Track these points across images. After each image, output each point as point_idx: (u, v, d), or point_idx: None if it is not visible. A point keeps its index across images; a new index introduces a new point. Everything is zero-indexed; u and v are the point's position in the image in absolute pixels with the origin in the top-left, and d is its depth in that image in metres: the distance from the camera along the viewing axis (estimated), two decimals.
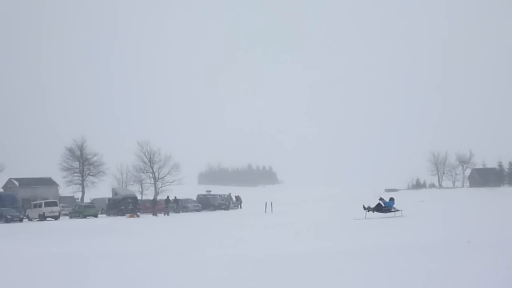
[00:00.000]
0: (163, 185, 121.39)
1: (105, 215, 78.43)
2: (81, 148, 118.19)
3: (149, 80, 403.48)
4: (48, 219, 70.51)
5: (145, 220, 57.62)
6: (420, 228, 27.39)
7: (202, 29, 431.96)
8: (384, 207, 37.05)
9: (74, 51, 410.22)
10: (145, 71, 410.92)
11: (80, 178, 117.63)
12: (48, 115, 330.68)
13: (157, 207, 71.31)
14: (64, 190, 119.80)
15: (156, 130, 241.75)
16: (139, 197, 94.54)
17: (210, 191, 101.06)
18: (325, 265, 15.78)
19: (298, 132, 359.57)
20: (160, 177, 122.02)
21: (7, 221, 68.82)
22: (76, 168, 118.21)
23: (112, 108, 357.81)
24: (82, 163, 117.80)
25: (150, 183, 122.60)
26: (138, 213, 70.97)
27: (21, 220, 71.07)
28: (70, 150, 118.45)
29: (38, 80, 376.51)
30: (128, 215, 67.91)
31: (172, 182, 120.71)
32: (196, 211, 76.19)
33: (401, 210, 36.75)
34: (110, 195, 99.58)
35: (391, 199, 38.12)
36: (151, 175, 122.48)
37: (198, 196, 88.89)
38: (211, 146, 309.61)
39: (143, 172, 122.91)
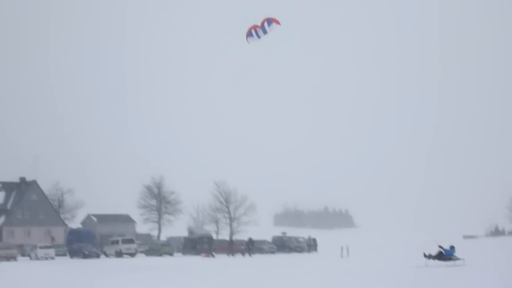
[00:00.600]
0: (238, 225, 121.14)
1: (180, 253, 78.70)
2: (159, 186, 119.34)
3: (226, 120, 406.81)
4: (124, 256, 71.16)
5: (221, 260, 57.49)
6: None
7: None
8: (445, 255, 36.32)
9: (152, 89, 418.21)
10: (222, 110, 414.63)
11: (157, 216, 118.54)
12: (127, 153, 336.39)
13: (233, 247, 71.39)
14: (141, 228, 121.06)
15: (232, 170, 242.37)
16: (214, 237, 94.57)
17: (285, 233, 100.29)
18: None
19: (374, 177, 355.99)
20: (236, 217, 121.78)
21: (85, 256, 69.83)
22: (153, 206, 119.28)
23: (190, 147, 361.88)
24: (159, 201, 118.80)
25: (226, 223, 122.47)
26: (213, 253, 70.93)
27: (98, 256, 72.02)
28: (148, 188, 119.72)
29: (117, 118, 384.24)
30: (203, 254, 67.98)
31: (248, 222, 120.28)
32: (271, 253, 75.64)
33: (463, 259, 35.85)
34: (186, 233, 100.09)
35: (452, 247, 37.39)
36: (226, 215, 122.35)
37: (274, 237, 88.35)
38: (287, 187, 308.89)
39: (219, 212, 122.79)
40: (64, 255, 77.70)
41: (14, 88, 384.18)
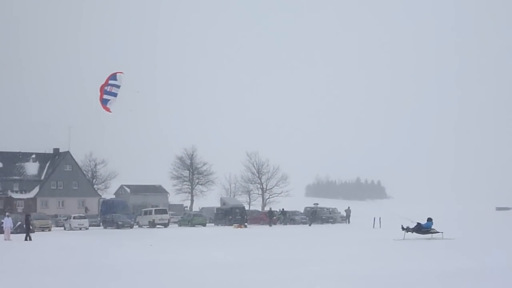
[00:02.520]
0: (270, 196, 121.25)
1: (213, 224, 78.94)
2: (191, 157, 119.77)
3: (258, 91, 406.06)
4: (157, 226, 71.52)
5: (254, 230, 57.53)
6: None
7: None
8: (423, 228, 35.86)
9: (184, 60, 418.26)
10: (257, 83, 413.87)
11: (190, 187, 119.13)
12: (160, 124, 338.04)
13: (270, 217, 72.29)
14: (174, 198, 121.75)
15: (265, 141, 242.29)
16: (246, 208, 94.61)
17: (317, 203, 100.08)
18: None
19: (407, 148, 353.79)
20: (268, 188, 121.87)
21: (118, 227, 70.39)
22: (185, 177, 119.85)
23: (222, 118, 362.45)
24: (191, 172, 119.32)
25: (258, 194, 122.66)
26: (246, 224, 71.00)
27: (131, 226, 72.50)
28: (181, 159, 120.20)
29: (150, 89, 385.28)
30: (235, 225, 68.08)
31: (280, 193, 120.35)
32: (303, 224, 75.52)
33: (442, 232, 35.37)
34: (218, 204, 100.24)
35: (429, 220, 36.86)
36: (258, 186, 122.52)
37: (306, 208, 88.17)
38: (319, 158, 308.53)
39: (251, 183, 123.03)
40: (98, 225, 78.37)
41: (48, 60, 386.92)
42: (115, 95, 31.25)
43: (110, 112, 31.75)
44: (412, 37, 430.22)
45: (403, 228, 35.61)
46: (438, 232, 35.23)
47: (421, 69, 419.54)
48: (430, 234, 35.33)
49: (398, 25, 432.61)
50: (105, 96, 31.10)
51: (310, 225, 72.64)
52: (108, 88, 31.03)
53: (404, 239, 34.49)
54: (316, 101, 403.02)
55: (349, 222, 78.60)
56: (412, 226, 35.86)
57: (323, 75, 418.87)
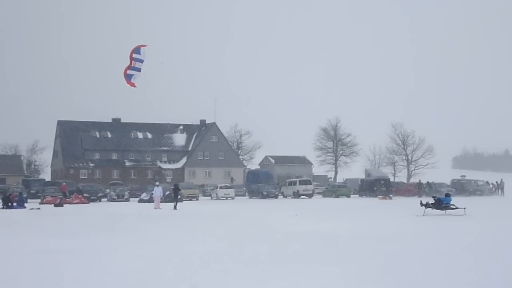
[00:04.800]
0: (416, 168, 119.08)
1: (357, 195, 78.36)
2: (335, 129, 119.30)
3: (404, 60, 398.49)
4: (302, 197, 71.71)
5: (399, 202, 56.51)
6: None
7: None
8: (443, 204, 33.37)
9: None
10: (402, 52, 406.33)
11: (333, 158, 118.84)
12: (304, 95, 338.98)
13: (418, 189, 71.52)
14: (318, 169, 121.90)
15: (410, 112, 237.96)
16: (391, 179, 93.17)
17: (464, 176, 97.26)
18: None
19: None
20: (413, 159, 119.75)
21: (263, 197, 71.17)
22: (329, 148, 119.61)
23: (366, 88, 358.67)
24: (335, 143, 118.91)
25: (403, 166, 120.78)
26: (391, 195, 69.96)
27: (276, 196, 73.10)
28: (325, 130, 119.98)
29: (292, 61, 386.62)
30: (380, 196, 67.21)
31: (426, 165, 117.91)
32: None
33: (463, 208, 32.85)
34: (362, 175, 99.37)
35: (447, 195, 34.80)
36: (404, 157, 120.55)
37: (452, 180, 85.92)
38: (466, 130, 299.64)
39: (396, 154, 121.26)
40: (243, 195, 79.60)
41: (194, 33, 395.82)
42: (138, 70, 31.07)
43: (135, 87, 31.70)
44: None
45: (421, 204, 33.77)
46: (459, 208, 33.10)
47: None
48: (447, 210, 33.16)
49: None
50: (129, 72, 30.95)
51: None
52: (132, 63, 30.85)
53: (424, 215, 32.53)
54: (463, 72, 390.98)
55: (503, 194, 76.12)
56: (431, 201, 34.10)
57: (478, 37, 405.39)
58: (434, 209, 33.47)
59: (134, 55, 30.97)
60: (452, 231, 23.48)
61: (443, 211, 33.20)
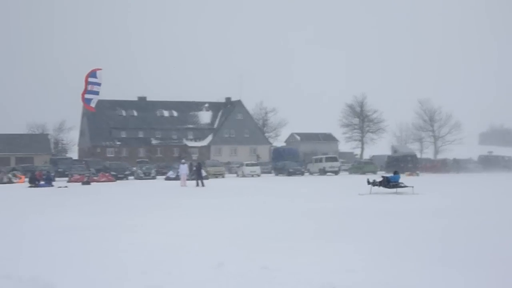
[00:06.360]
0: (443, 144, 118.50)
1: (384, 172, 78.10)
2: (361, 105, 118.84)
3: (431, 35, 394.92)
4: (328, 173, 71.65)
5: (425, 178, 56.21)
6: None
7: None
8: (391, 182, 32.26)
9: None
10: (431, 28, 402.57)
11: (360, 135, 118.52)
12: (329, 71, 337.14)
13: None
14: (344, 146, 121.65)
15: (436, 88, 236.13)
16: (418, 156, 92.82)
17: (491, 152, 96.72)
18: None
19: None
20: (440, 136, 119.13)
21: (289, 174, 71.24)
22: (356, 125, 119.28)
23: (393, 64, 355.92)
24: (362, 119, 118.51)
25: (430, 142, 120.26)
26: (417, 172, 69.66)
27: (302, 173, 73.13)
28: (351, 107, 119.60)
29: (316, 37, 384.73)
30: (407, 173, 66.95)
31: (452, 141, 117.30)
32: (477, 172, 73.04)
33: (411, 187, 31.57)
34: (389, 152, 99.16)
35: (396, 173, 33.60)
36: (430, 133, 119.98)
37: (480, 156, 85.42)
38: (493, 105, 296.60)
39: (422, 131, 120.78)
40: (269, 172, 79.65)
41: (219, 9, 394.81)
42: (97, 93, 30.91)
43: (94, 111, 31.83)
44: None
45: (368, 182, 32.73)
46: (407, 187, 31.97)
47: None
48: (396, 189, 32.09)
49: None
50: (87, 96, 30.76)
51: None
52: (89, 87, 30.62)
53: (370, 193, 31.72)
54: (491, 46, 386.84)
55: None
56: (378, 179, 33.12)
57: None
58: (380, 187, 32.29)
59: (90, 79, 30.84)
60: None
61: (393, 190, 32.12)
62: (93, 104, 31.03)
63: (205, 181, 46.77)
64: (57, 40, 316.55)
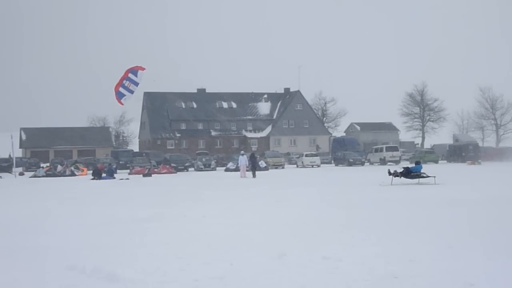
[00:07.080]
0: (505, 133, 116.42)
1: (445, 161, 77.16)
2: (421, 94, 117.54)
3: (493, 20, 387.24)
4: (388, 163, 71.07)
5: (487, 168, 55.28)
6: None
7: None
8: (412, 173, 31.36)
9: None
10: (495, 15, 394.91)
11: (420, 124, 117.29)
12: (389, 60, 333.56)
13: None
14: (404, 135, 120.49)
15: (498, 75, 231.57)
16: (480, 145, 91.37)
17: None
18: None
19: None
20: (502, 124, 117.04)
21: (350, 164, 70.91)
22: (416, 114, 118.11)
23: (454, 51, 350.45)
24: (422, 108, 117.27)
25: (492, 130, 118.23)
26: (479, 161, 68.58)
27: (362, 163, 72.75)
28: (411, 96, 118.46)
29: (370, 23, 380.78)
30: (469, 162, 66.03)
31: None
32: None
33: (434, 177, 30.58)
34: (450, 141, 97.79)
35: (417, 163, 32.74)
36: (492, 122, 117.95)
37: None
38: None
39: (484, 119, 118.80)
40: (329, 163, 79.41)
41: (277, 1, 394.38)
42: (131, 92, 30.18)
43: (122, 105, 31.16)
44: None
45: (389, 173, 31.98)
46: (430, 177, 31.05)
47: None
48: (418, 179, 31.32)
49: None
50: (121, 90, 30.08)
51: None
52: (126, 83, 29.99)
53: (391, 184, 30.83)
54: None
55: None
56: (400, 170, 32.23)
57: None
58: (401, 178, 31.72)
59: (130, 75, 30.16)
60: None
61: (416, 180, 31.59)
62: (124, 101, 30.72)
63: (265, 172, 47.00)
64: (117, 36, 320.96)
